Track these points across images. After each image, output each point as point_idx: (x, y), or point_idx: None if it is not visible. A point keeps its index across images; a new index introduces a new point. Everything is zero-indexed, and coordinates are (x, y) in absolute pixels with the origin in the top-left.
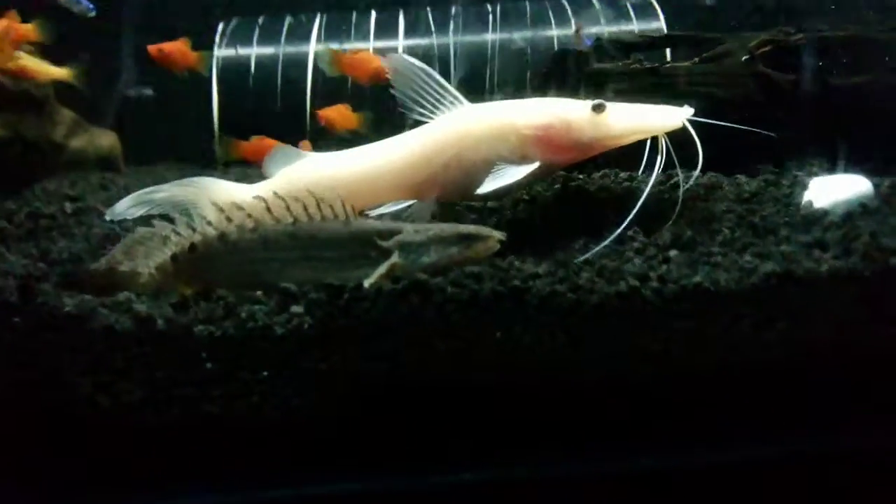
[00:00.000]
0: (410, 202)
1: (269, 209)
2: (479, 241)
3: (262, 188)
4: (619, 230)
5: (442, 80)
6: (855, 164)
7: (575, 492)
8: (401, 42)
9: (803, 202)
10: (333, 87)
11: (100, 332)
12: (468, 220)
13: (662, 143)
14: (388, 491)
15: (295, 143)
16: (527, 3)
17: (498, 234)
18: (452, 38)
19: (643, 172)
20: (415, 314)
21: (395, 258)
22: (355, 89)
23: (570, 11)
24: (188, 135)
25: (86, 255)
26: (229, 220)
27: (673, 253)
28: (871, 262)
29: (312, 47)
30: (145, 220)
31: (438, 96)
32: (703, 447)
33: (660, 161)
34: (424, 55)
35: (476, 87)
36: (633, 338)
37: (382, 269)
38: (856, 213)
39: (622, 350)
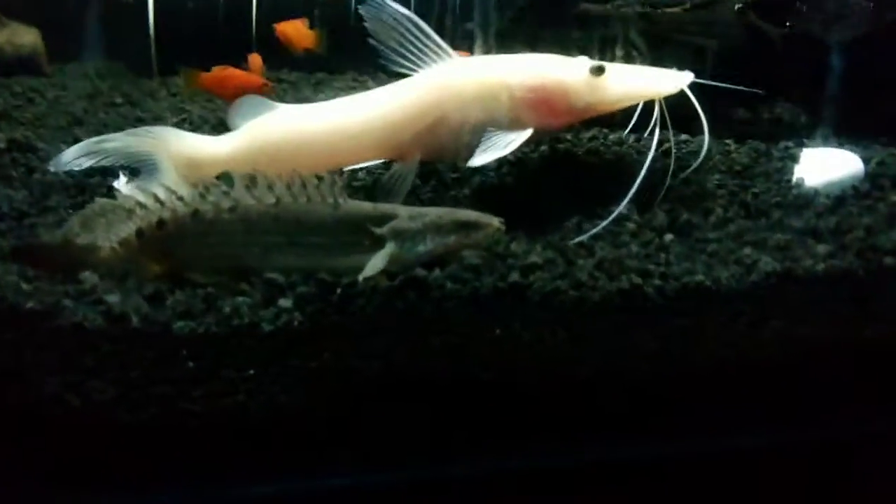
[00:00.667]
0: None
1: (250, 185)
2: (479, 229)
3: (227, 142)
4: (614, 213)
5: (427, 29)
6: (847, 128)
7: (569, 483)
8: None
9: (795, 179)
10: None
11: (67, 329)
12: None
13: (658, 107)
14: (379, 487)
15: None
16: None
17: (497, 222)
18: None
19: (631, 132)
20: (411, 311)
21: (389, 248)
22: None
23: None
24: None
25: (29, 207)
26: (203, 195)
27: (669, 238)
28: (866, 261)
29: None
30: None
31: (423, 47)
32: (697, 439)
33: (657, 129)
34: None
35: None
36: (633, 334)
37: (378, 261)
38: (847, 196)
39: (621, 346)
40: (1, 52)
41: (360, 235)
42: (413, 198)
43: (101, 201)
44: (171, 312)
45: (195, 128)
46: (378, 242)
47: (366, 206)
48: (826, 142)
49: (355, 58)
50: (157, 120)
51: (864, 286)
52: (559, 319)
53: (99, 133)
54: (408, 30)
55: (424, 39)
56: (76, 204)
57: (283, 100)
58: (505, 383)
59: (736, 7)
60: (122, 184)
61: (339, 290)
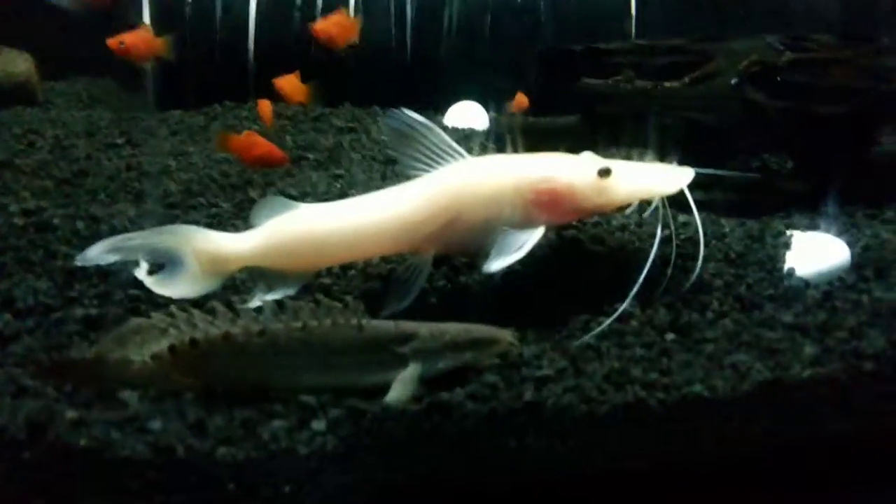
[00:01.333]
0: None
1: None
2: (493, 344)
3: (249, 239)
4: (616, 313)
5: (442, 134)
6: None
7: None
8: None
9: (786, 268)
10: (278, 14)
11: (116, 462)
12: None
13: (661, 204)
14: None
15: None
16: None
17: (509, 336)
18: None
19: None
20: (436, 431)
21: (412, 369)
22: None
23: None
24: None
25: (53, 299)
26: (233, 318)
27: (670, 337)
28: (848, 366)
29: None
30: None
31: (439, 151)
32: None
33: (659, 227)
34: None
35: (434, 24)
36: (634, 439)
37: (406, 386)
38: (835, 287)
39: (623, 449)
40: None
41: (384, 355)
42: (426, 284)
43: (135, 320)
44: (213, 441)
45: (195, 167)
46: (401, 361)
47: (388, 326)
48: (816, 222)
49: (352, 91)
50: (163, 174)
51: (846, 390)
52: (569, 431)
53: (107, 188)
54: (423, 135)
55: (440, 144)
56: (99, 294)
57: (281, 137)
58: (516, 485)
59: (732, 81)
60: (142, 273)
61: (369, 415)
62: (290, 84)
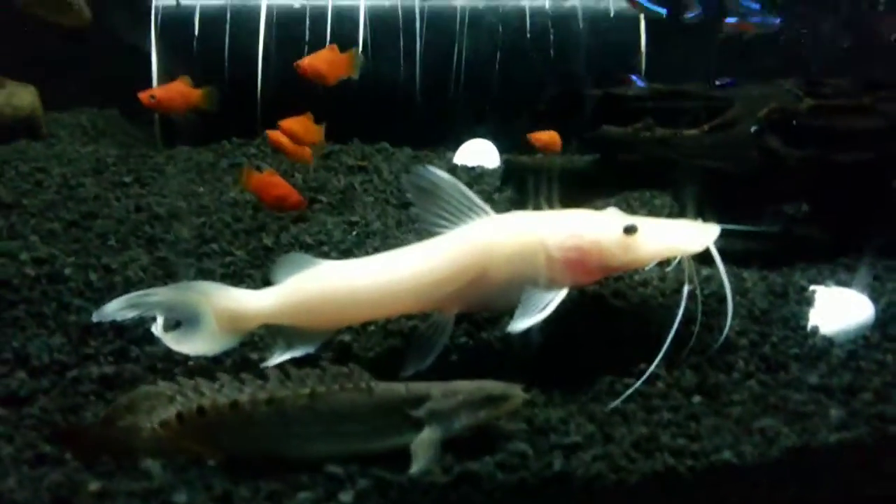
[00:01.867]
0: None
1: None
2: (506, 401)
3: (270, 296)
4: (644, 377)
5: (466, 190)
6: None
7: None
8: (362, 2)
9: (810, 327)
10: (287, 52)
11: None
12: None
13: (687, 263)
14: None
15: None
16: None
17: (522, 393)
18: (419, 3)
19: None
20: (464, 501)
21: (429, 432)
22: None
23: None
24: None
25: (70, 356)
26: (240, 387)
27: (696, 400)
28: (874, 430)
29: (264, 2)
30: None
31: (462, 207)
32: None
33: (686, 291)
34: (388, 17)
35: (444, 62)
36: None
37: (428, 451)
38: (859, 346)
39: None
40: (1, 116)
41: (396, 418)
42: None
43: (144, 387)
44: None
45: (206, 210)
46: (416, 424)
47: (399, 389)
48: (839, 276)
49: (361, 128)
50: (174, 217)
51: (872, 454)
52: (599, 501)
53: (117, 232)
54: (447, 192)
55: (464, 201)
56: (115, 350)
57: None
58: None
59: (752, 129)
60: (158, 329)
61: (396, 486)
62: (301, 126)
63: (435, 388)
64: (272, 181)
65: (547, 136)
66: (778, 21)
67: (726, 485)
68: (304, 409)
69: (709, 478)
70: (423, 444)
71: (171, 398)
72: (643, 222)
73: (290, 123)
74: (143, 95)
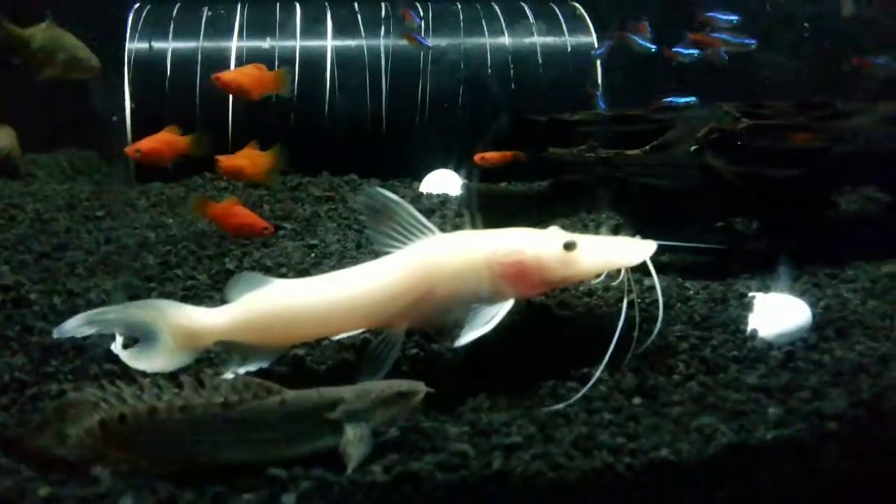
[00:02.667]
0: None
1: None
2: (413, 396)
3: (224, 314)
4: (587, 386)
5: (413, 211)
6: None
7: None
8: (329, 42)
9: (749, 330)
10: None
11: None
12: None
13: (626, 274)
14: None
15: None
16: (458, 7)
17: (425, 388)
18: (383, 42)
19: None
20: (405, 502)
21: (353, 431)
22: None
23: (503, 22)
24: (90, 122)
25: (28, 375)
26: (159, 394)
27: (637, 401)
28: (811, 426)
29: (234, 44)
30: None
31: (411, 227)
32: None
33: (626, 297)
34: (353, 57)
35: (409, 97)
36: None
37: (358, 448)
38: (797, 348)
39: None
40: None
41: (310, 423)
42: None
43: (71, 395)
44: None
45: (173, 238)
46: (333, 428)
47: (311, 395)
48: (779, 283)
49: (330, 161)
50: (141, 246)
51: (809, 450)
52: (539, 499)
53: (86, 262)
54: (395, 213)
55: (412, 220)
56: (75, 368)
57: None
58: None
59: (692, 149)
60: (118, 347)
61: (337, 487)
62: (248, 159)
63: (346, 390)
64: (233, 210)
65: (497, 156)
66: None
67: (665, 482)
68: (216, 417)
69: (647, 475)
70: (351, 442)
71: (94, 405)
72: (582, 239)
73: (236, 160)
74: (129, 150)
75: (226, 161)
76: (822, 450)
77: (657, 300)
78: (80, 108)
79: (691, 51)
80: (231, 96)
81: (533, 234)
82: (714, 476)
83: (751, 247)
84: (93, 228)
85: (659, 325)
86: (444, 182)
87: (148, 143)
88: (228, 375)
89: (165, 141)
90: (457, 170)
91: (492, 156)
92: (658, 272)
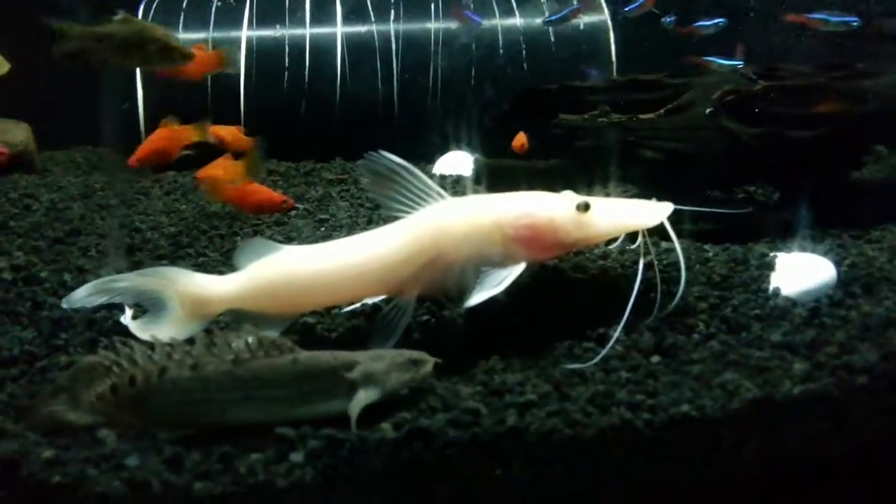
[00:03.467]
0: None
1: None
2: (425, 364)
3: (233, 281)
4: (607, 347)
5: (422, 175)
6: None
7: None
8: (339, 29)
9: (771, 289)
10: (268, 79)
11: (92, 499)
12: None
13: (642, 237)
14: None
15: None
16: None
17: (432, 359)
18: (393, 27)
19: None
20: (417, 459)
21: (366, 394)
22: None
23: (514, 2)
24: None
25: (39, 347)
26: (170, 354)
27: (655, 360)
28: (840, 381)
29: (245, 33)
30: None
31: (419, 192)
32: None
33: (642, 259)
34: (363, 43)
35: (419, 83)
36: (623, 464)
37: (355, 409)
38: (822, 305)
39: (612, 475)
40: None
41: (324, 384)
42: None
43: (86, 359)
44: (189, 475)
45: (185, 221)
46: (350, 387)
47: (325, 356)
48: (799, 244)
49: (343, 147)
50: (154, 229)
51: (838, 405)
52: (555, 457)
53: (98, 245)
54: (402, 177)
55: (420, 185)
56: (85, 341)
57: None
58: None
59: (707, 111)
60: (127, 318)
61: (347, 444)
62: (230, 133)
63: (360, 355)
64: (249, 189)
65: (520, 137)
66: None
67: (687, 439)
68: (224, 376)
69: (667, 431)
70: (361, 404)
71: (107, 369)
72: (596, 200)
73: (219, 130)
74: (132, 161)
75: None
76: (851, 404)
77: (675, 262)
78: (93, 102)
79: (714, 21)
80: (242, 85)
81: (545, 196)
82: (739, 432)
83: (772, 215)
84: (106, 216)
85: (683, 284)
86: (456, 163)
87: (148, 146)
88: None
89: (166, 138)
90: (470, 150)
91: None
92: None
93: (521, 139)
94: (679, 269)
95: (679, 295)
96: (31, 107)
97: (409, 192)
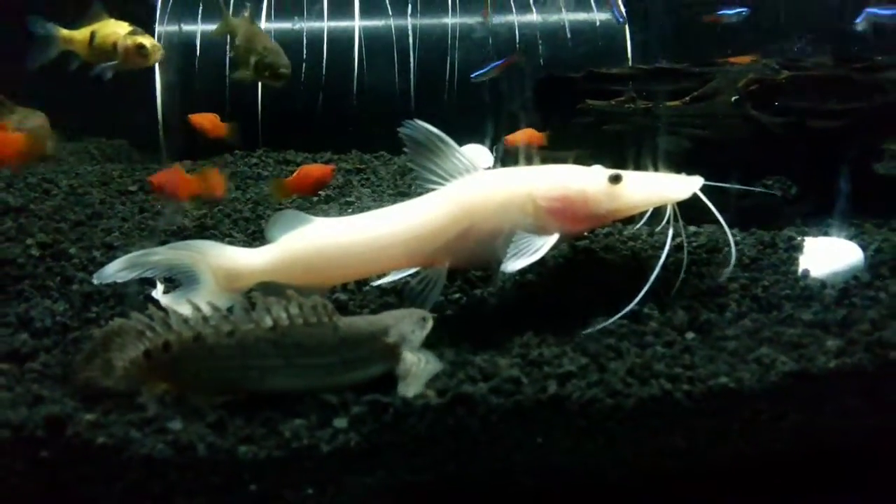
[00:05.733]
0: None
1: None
2: (429, 320)
3: (265, 254)
4: (626, 309)
5: (456, 147)
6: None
7: None
8: (357, 22)
9: (800, 271)
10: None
11: (137, 461)
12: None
13: (672, 210)
14: None
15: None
16: None
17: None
18: (411, 21)
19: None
20: (460, 426)
21: (412, 355)
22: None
23: None
24: (122, 110)
25: (71, 319)
26: (206, 319)
27: (690, 336)
28: (874, 356)
29: (262, 26)
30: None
31: (453, 163)
32: None
33: (670, 231)
34: (380, 37)
35: (437, 77)
36: (663, 435)
37: (419, 377)
38: (850, 286)
39: (652, 446)
40: None
41: (361, 350)
42: (441, 297)
43: (117, 321)
44: (234, 438)
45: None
46: (387, 352)
47: (361, 322)
48: (826, 229)
49: (358, 139)
50: (176, 213)
51: (873, 381)
52: (596, 426)
53: (121, 227)
54: (440, 148)
55: (455, 156)
56: (116, 315)
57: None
58: (545, 488)
59: (732, 99)
60: (159, 293)
61: (391, 410)
62: (208, 121)
63: (387, 317)
64: (302, 171)
65: (523, 135)
66: None
67: (726, 409)
68: (266, 343)
69: (707, 402)
70: (415, 365)
71: (140, 333)
72: (628, 173)
73: (198, 118)
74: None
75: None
76: (886, 377)
77: (703, 245)
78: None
79: (737, 10)
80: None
81: (576, 168)
82: (776, 405)
83: (792, 209)
84: (126, 201)
85: (733, 251)
86: (473, 156)
87: (160, 179)
88: None
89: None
90: (487, 143)
91: (521, 136)
92: (699, 223)
93: (518, 136)
94: (708, 251)
95: (731, 263)
96: (47, 97)
97: (445, 163)
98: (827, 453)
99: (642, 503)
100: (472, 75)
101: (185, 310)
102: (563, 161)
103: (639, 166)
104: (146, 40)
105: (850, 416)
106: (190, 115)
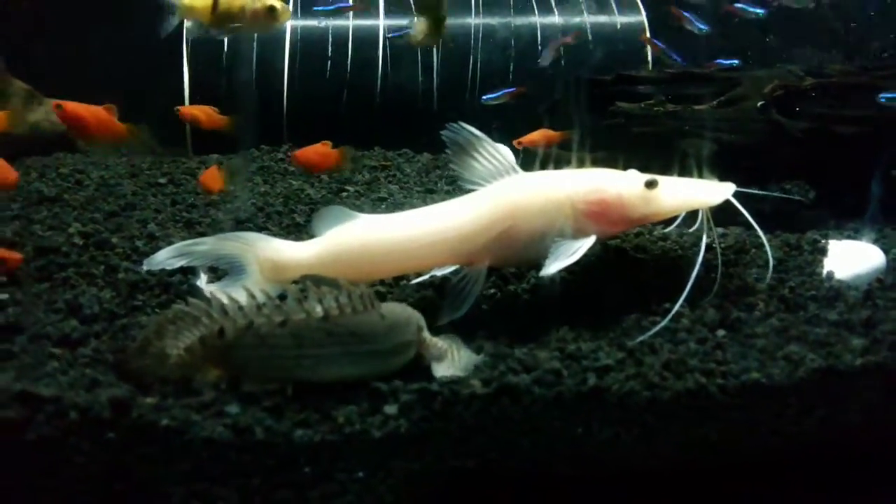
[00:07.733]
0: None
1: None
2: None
3: (310, 247)
4: (671, 314)
5: (496, 148)
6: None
7: None
8: (381, 21)
9: (825, 272)
10: (312, 68)
11: (198, 443)
12: None
13: (704, 216)
14: None
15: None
16: None
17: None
18: None
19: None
20: (504, 415)
21: (435, 340)
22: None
23: (553, 0)
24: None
25: (119, 307)
26: (260, 307)
27: (721, 333)
28: None
29: (289, 24)
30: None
31: (493, 164)
32: None
33: (704, 237)
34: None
35: (459, 77)
36: (696, 428)
37: (455, 361)
38: (874, 288)
39: (685, 439)
40: (40, 130)
41: (405, 335)
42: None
43: (174, 308)
44: (289, 423)
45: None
46: (418, 338)
47: (397, 308)
48: (849, 232)
49: (382, 137)
50: (209, 206)
51: None
52: (633, 418)
53: (156, 218)
54: (480, 149)
55: (495, 157)
56: (161, 303)
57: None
58: (584, 477)
59: (758, 104)
60: (203, 283)
61: (439, 398)
62: (204, 113)
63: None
64: (321, 151)
65: (538, 136)
66: None
67: (757, 404)
68: (319, 332)
69: (740, 396)
70: (445, 349)
71: (195, 319)
72: (663, 178)
73: (190, 109)
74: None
75: None
76: None
77: (731, 246)
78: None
79: (756, 9)
80: (287, 73)
81: (613, 173)
82: (805, 400)
83: (812, 214)
84: (157, 193)
85: (770, 252)
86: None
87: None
88: None
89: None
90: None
91: (534, 137)
92: (726, 225)
93: (533, 137)
94: (737, 252)
95: (771, 264)
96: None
97: (486, 165)
98: (851, 448)
99: (673, 492)
100: (482, 98)
101: (241, 297)
102: (584, 163)
103: (666, 168)
104: (276, 2)
105: (877, 411)
106: (179, 107)
